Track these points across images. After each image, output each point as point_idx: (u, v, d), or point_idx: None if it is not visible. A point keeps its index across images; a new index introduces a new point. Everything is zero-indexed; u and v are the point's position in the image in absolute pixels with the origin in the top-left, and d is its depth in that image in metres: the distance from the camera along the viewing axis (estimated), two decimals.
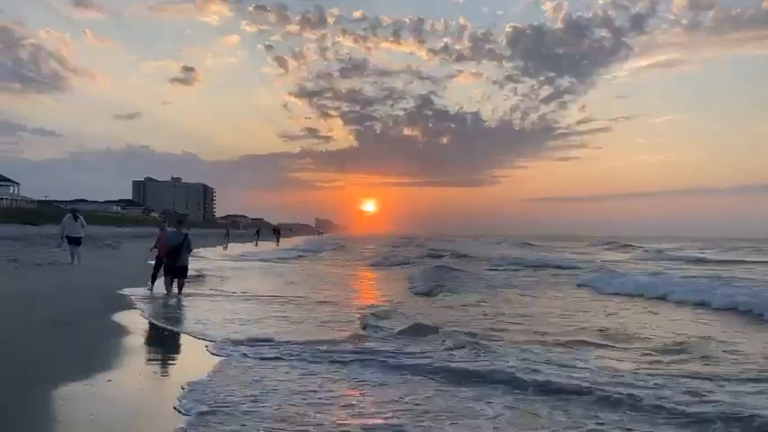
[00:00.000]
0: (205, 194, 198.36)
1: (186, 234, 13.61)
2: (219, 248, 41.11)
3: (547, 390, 5.57)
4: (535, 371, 6.18)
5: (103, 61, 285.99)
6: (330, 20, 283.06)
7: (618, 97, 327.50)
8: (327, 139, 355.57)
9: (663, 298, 14.23)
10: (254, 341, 7.78)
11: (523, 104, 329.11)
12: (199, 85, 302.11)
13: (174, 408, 4.89)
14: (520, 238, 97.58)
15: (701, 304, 13.02)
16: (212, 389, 5.45)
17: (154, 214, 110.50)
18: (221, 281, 17.04)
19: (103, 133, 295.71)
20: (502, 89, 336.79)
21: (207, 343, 7.82)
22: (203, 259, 26.63)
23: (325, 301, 12.74)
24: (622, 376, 6.16)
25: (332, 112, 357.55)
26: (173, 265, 13.09)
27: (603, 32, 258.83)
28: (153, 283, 13.74)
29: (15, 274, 14.69)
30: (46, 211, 61.73)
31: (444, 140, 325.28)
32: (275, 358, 6.87)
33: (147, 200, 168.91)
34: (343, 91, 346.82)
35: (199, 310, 11.11)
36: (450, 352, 7.21)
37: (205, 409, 4.82)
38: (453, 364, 6.53)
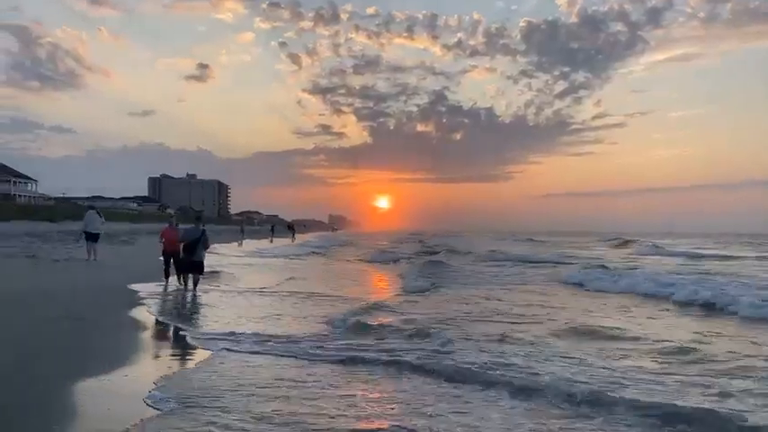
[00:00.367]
0: (220, 191, 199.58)
1: (203, 230, 13.81)
2: (234, 245, 41.47)
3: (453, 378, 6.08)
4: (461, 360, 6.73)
5: (119, 59, 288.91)
6: (343, 16, 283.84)
7: (634, 92, 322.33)
8: (341, 135, 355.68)
9: (629, 293, 15.00)
10: (238, 335, 8.14)
11: (538, 100, 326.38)
12: (213, 82, 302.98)
13: (144, 401, 5.05)
14: (532, 233, 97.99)
15: (652, 297, 14.14)
16: (185, 383, 5.72)
17: (169, 211, 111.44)
18: (233, 277, 17.36)
19: (119, 130, 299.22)
20: (516, 84, 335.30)
21: (198, 338, 8.09)
22: (219, 255, 26.93)
23: (313, 296, 13.26)
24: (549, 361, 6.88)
25: (345, 109, 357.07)
26: (189, 259, 13.30)
27: (619, 26, 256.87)
28: (167, 278, 13.95)
29: (34, 271, 14.97)
30: (64, 208, 62.61)
31: (458, 136, 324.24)
32: (256, 353, 7.22)
33: (162, 196, 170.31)
34: (357, 87, 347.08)
35: (206, 306, 11.41)
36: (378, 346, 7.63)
37: (172, 404, 4.97)
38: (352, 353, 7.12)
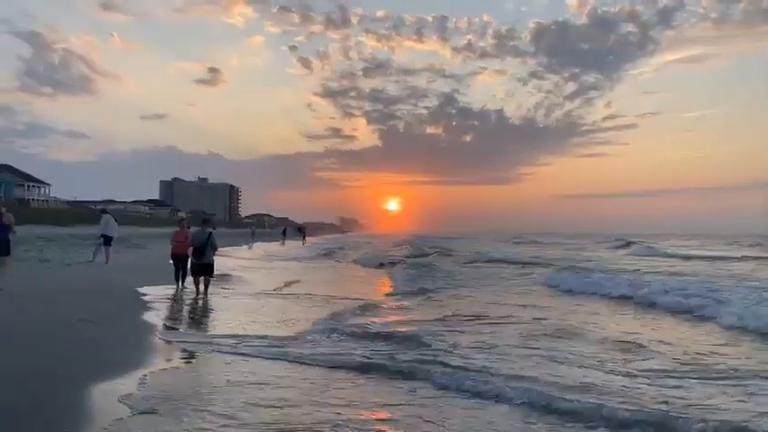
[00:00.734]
0: (231, 194, 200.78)
1: (210, 232, 14.01)
2: (245, 247, 41.66)
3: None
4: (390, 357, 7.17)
5: (130, 63, 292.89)
6: (354, 19, 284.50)
7: (645, 93, 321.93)
8: (351, 138, 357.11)
9: (594, 293, 15.58)
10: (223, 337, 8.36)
11: (548, 101, 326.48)
12: (224, 85, 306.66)
13: (120, 401, 5.16)
14: (541, 235, 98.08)
15: (606, 296, 15.07)
16: (168, 384, 5.86)
17: (181, 214, 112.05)
18: (241, 279, 17.63)
19: (131, 134, 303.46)
20: (526, 86, 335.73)
21: (196, 342, 8.26)
22: (226, 258, 27.15)
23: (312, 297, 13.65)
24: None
25: (355, 112, 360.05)
26: (198, 261, 13.50)
27: (630, 27, 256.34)
28: (177, 281, 14.13)
29: (47, 275, 15.19)
30: (77, 212, 63.23)
31: (468, 138, 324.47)
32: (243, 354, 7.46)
33: (174, 200, 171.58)
34: (367, 90, 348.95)
35: (213, 309, 11.67)
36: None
37: (144, 406, 5.06)
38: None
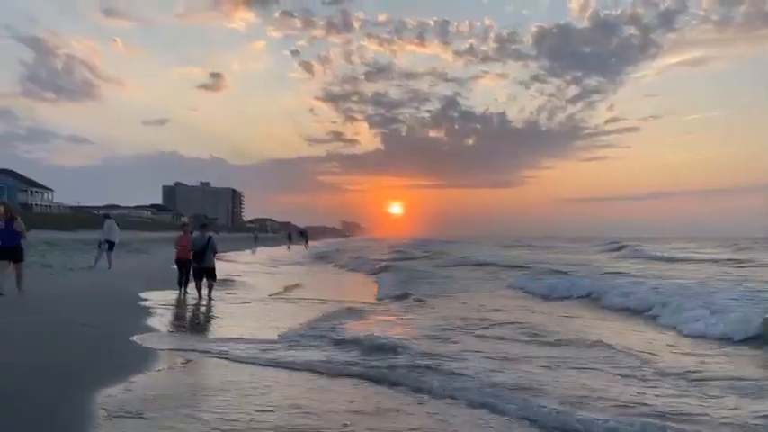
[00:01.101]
0: (233, 199, 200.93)
1: (210, 237, 14.16)
2: (248, 252, 41.74)
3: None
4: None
5: (133, 69, 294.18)
6: (355, 24, 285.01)
7: (647, 96, 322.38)
8: (353, 142, 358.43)
9: (567, 297, 16.12)
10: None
11: (550, 105, 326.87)
12: (226, 90, 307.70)
13: (109, 404, 5.20)
14: (539, 239, 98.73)
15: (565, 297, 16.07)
16: (153, 389, 5.87)
17: (183, 219, 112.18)
18: (244, 284, 17.79)
19: (133, 139, 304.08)
20: (528, 89, 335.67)
21: (189, 347, 8.36)
22: (232, 263, 27.31)
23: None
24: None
25: (357, 116, 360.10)
26: (199, 266, 13.65)
27: (632, 30, 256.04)
28: (180, 286, 14.24)
29: (50, 280, 15.31)
30: (80, 217, 63.42)
31: (470, 142, 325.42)
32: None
33: (177, 205, 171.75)
34: (369, 94, 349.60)
35: (215, 315, 11.82)
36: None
37: (132, 409, 5.11)
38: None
